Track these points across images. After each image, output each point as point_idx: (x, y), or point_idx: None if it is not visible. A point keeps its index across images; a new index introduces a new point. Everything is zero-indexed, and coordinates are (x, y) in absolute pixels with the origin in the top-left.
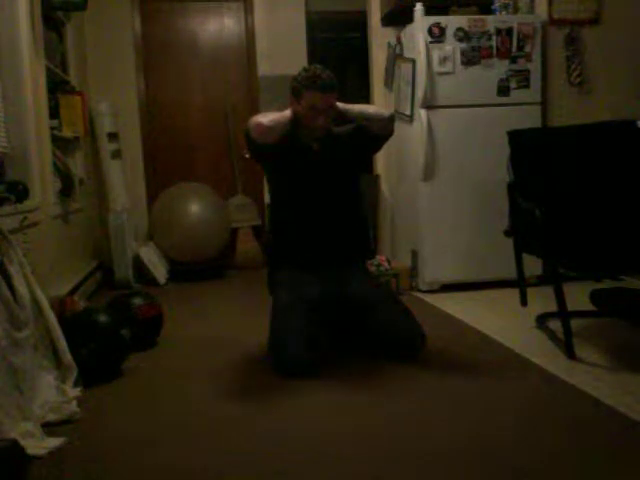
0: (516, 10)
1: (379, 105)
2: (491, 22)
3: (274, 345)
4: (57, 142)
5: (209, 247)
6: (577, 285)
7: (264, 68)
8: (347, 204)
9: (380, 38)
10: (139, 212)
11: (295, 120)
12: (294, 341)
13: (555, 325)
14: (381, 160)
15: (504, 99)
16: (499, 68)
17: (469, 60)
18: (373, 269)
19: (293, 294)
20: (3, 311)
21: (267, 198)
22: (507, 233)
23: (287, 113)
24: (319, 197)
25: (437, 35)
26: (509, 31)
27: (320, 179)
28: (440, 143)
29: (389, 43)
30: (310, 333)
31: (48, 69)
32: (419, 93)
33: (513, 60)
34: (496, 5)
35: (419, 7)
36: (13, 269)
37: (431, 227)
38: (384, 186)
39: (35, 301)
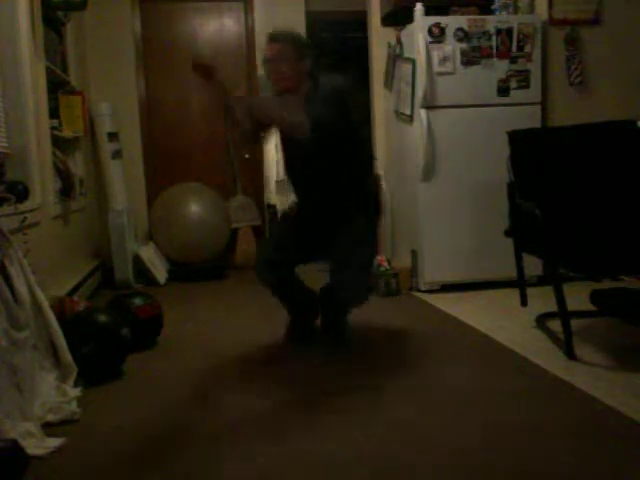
0: (516, 10)
1: (379, 105)
2: (491, 22)
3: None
4: (57, 142)
5: (209, 247)
6: (577, 285)
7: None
8: (337, 164)
9: (380, 38)
10: (139, 212)
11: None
12: (264, 264)
13: (555, 325)
14: (381, 160)
15: (504, 99)
16: (499, 68)
17: (469, 60)
18: (373, 269)
19: (286, 228)
20: (3, 311)
21: (267, 198)
22: (507, 233)
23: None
24: (307, 159)
25: (437, 35)
26: (509, 31)
27: (304, 140)
28: (440, 143)
29: (389, 43)
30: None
31: (48, 69)
32: (419, 93)
33: (513, 60)
34: (496, 5)
35: (419, 7)
36: (13, 269)
37: (431, 227)
38: (384, 186)
39: (35, 301)
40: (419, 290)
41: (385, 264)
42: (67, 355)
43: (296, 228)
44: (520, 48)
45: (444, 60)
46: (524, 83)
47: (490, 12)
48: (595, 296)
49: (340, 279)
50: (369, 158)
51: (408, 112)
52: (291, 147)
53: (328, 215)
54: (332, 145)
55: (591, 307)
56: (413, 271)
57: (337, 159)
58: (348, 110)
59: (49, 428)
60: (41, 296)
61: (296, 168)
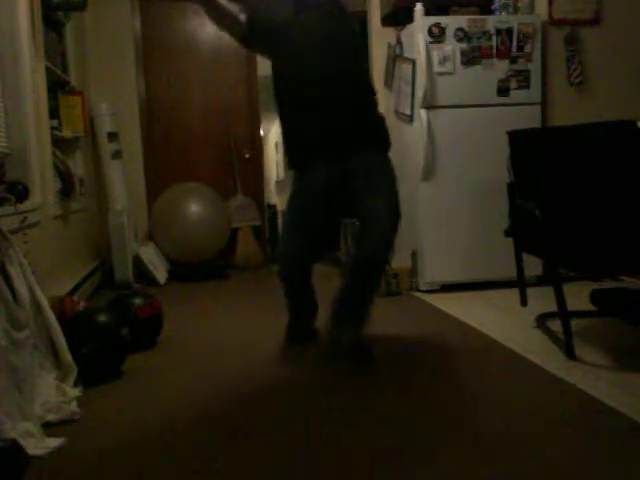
0: (516, 10)
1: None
2: (491, 22)
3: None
4: (57, 142)
5: (209, 247)
6: (577, 285)
7: (264, 68)
8: (341, 77)
9: (380, 38)
10: (139, 212)
11: None
12: (287, 260)
13: (555, 325)
14: None
15: (504, 99)
16: (499, 68)
17: (469, 60)
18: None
19: (295, 209)
20: (3, 311)
21: (267, 198)
22: (507, 233)
23: None
24: (305, 71)
25: (437, 35)
26: (509, 31)
27: (303, 48)
28: (440, 143)
29: (389, 43)
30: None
31: (48, 69)
32: (419, 93)
33: (513, 60)
34: (496, 5)
35: (419, 7)
36: (13, 269)
37: (431, 227)
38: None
39: (35, 301)
40: (419, 290)
41: None
42: (67, 355)
43: (309, 199)
44: (520, 48)
45: (444, 60)
46: (524, 83)
47: (490, 12)
48: (595, 296)
49: (371, 223)
50: (371, 85)
51: (408, 112)
52: (286, 69)
53: (336, 153)
54: (331, 60)
55: (591, 307)
56: (413, 271)
57: (338, 78)
58: (342, 20)
59: (49, 428)
60: (41, 296)
61: (294, 96)
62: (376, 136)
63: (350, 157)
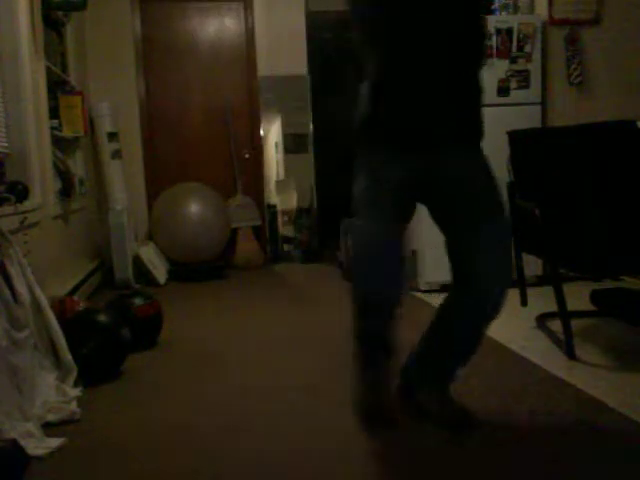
0: (516, 10)
1: None
2: (491, 22)
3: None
4: (57, 142)
5: (209, 247)
6: (577, 285)
7: (264, 68)
8: (461, 40)
9: None
10: (139, 212)
11: None
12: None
13: (555, 325)
14: None
15: (504, 99)
16: (499, 68)
17: None
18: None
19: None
20: (3, 311)
21: (267, 198)
22: None
23: None
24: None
25: None
26: (509, 31)
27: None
28: None
29: None
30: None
31: (48, 69)
32: None
33: (513, 60)
34: (496, 5)
35: None
36: (13, 269)
37: (431, 227)
38: None
39: (35, 301)
40: (419, 290)
41: None
42: (67, 355)
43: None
44: (520, 48)
45: None
46: (524, 83)
47: (490, 12)
48: (595, 296)
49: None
50: (485, 52)
51: None
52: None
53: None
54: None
55: (591, 307)
56: (413, 271)
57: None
58: None
59: (49, 428)
60: (41, 296)
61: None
62: (477, 123)
63: (439, 151)
